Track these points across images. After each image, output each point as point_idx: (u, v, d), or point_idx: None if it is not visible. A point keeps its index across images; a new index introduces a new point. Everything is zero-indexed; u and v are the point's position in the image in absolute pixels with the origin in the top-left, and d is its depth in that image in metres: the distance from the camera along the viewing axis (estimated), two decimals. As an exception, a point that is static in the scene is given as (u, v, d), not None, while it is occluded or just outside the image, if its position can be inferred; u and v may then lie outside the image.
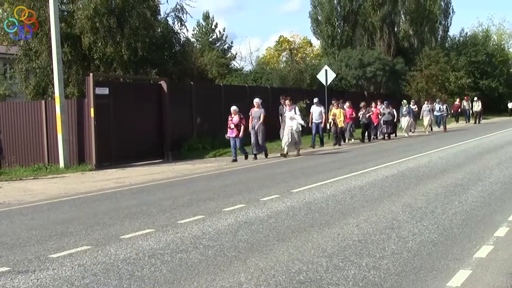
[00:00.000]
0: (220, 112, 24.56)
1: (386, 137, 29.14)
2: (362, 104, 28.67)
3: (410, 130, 31.27)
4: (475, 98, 43.96)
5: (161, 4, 28.25)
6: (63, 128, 18.74)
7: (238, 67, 56.13)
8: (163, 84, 22.02)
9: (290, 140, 19.91)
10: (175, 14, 27.80)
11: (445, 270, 5.97)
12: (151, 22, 25.78)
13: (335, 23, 51.35)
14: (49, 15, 19.55)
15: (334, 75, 31.79)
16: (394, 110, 29.99)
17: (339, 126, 25.25)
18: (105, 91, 19.39)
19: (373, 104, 29.52)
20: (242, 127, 19.23)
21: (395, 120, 30.11)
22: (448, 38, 59.86)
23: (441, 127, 35.07)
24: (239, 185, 13.49)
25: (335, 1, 51.08)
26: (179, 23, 28.18)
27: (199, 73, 38.72)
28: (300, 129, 20.14)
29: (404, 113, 30.87)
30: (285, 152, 20.28)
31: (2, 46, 26.92)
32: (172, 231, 8.17)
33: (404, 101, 32.48)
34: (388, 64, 46.84)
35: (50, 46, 20.45)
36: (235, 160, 19.41)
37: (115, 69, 24.96)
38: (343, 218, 8.77)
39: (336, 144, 25.21)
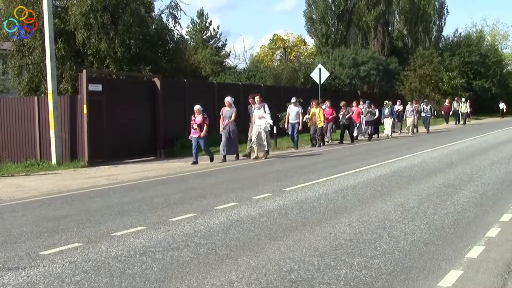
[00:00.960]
0: (213, 110, 24.52)
1: (368, 138, 28.21)
2: (342, 103, 27.59)
3: (394, 131, 30.49)
4: (463, 100, 43.63)
5: (155, 1, 28.46)
6: (56, 125, 18.68)
7: (232, 65, 56.15)
8: (157, 81, 21.97)
9: (257, 140, 18.88)
10: (169, 11, 27.82)
11: (436, 270, 5.98)
12: (145, 19, 25.78)
13: (330, 22, 51.49)
14: (42, 10, 19.47)
15: (328, 74, 31.86)
16: (377, 110, 29.15)
17: (319, 126, 24.15)
18: (98, 87, 19.32)
19: (354, 103, 28.68)
20: (205, 127, 18.09)
21: (377, 120, 29.25)
22: (442, 38, 60.22)
23: (423, 129, 33.98)
24: (231, 183, 13.47)
25: (330, 0, 51.19)
26: (173, 20, 28.22)
27: (192, 70, 38.70)
28: (269, 129, 19.09)
29: (386, 114, 29.84)
30: (247, 152, 19.57)
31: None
32: (164, 229, 8.15)
33: (386, 101, 31.31)
34: (382, 64, 46.98)
35: (43, 42, 20.39)
36: (195, 163, 18.13)
37: (108, 65, 24.92)
38: (335, 217, 8.77)
39: (314, 146, 24.29)
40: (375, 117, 28.67)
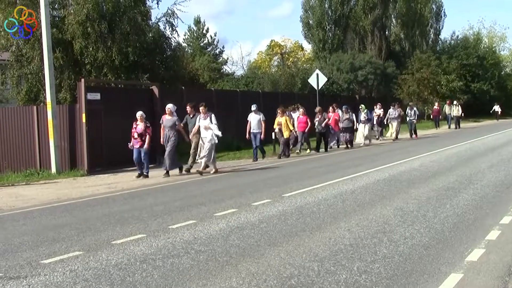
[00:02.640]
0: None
1: (347, 146, 26.24)
2: (317, 109, 25.53)
3: (371, 138, 28.58)
4: (455, 102, 41.78)
5: (152, 9, 28.24)
6: (55, 134, 18.69)
7: (230, 72, 56.19)
8: (155, 89, 21.99)
9: (205, 153, 17.00)
10: (166, 19, 27.76)
11: (437, 274, 5.99)
12: (142, 27, 25.77)
13: (326, 27, 51.58)
14: (40, 20, 19.50)
15: (326, 79, 31.91)
16: (354, 115, 27.16)
17: (285, 136, 22.19)
18: (96, 96, 19.36)
19: (330, 109, 26.16)
20: (148, 137, 16.75)
21: (354, 126, 27.18)
22: (440, 41, 60.25)
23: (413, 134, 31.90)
24: (230, 189, 13.48)
25: (326, 5, 51.31)
26: (170, 28, 28.15)
27: (190, 78, 38.77)
28: (216, 141, 17.06)
29: (361, 119, 27.65)
30: (189, 166, 17.71)
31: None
32: (164, 236, 8.16)
33: (362, 105, 28.90)
34: (379, 68, 47.07)
35: (41, 52, 20.40)
36: (139, 176, 16.95)
37: (106, 74, 24.91)
38: (335, 222, 8.78)
39: (281, 157, 22.09)
40: (353, 123, 26.86)
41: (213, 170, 17.38)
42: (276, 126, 22.46)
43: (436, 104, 42.65)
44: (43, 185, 16.33)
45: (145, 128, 16.80)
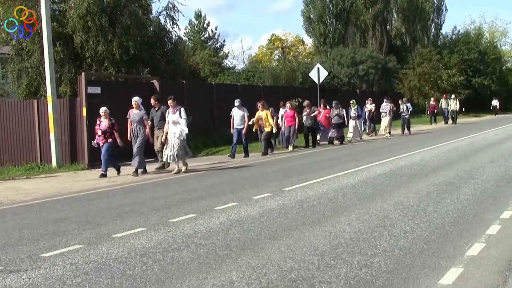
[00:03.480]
0: (212, 111, 24.57)
1: (336, 142, 25.20)
2: (305, 103, 24.60)
3: (361, 135, 27.45)
4: (453, 96, 41.00)
5: (153, 2, 28.24)
6: (56, 128, 18.68)
7: (231, 66, 56.16)
8: (155, 83, 21.98)
9: (173, 151, 15.78)
10: (167, 12, 27.77)
11: (437, 268, 5.98)
12: (143, 21, 25.75)
13: (327, 21, 51.53)
14: (41, 14, 19.48)
15: (326, 73, 31.85)
16: (344, 111, 26.06)
17: (266, 130, 21.26)
18: (97, 90, 19.36)
19: (322, 104, 25.15)
20: (116, 134, 15.86)
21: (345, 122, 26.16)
22: (441, 36, 60.15)
23: (406, 131, 30.94)
24: (231, 183, 13.49)
25: (327, -1, 51.22)
26: (171, 22, 28.17)
27: (191, 72, 38.71)
28: (185, 137, 15.91)
29: (352, 115, 26.71)
30: (160, 165, 17.04)
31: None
32: (164, 230, 8.16)
33: (353, 101, 27.94)
34: (380, 62, 47.02)
35: (42, 46, 20.39)
36: (104, 175, 15.90)
37: (107, 68, 24.91)
38: (335, 216, 8.78)
39: (267, 153, 21.28)
40: (344, 119, 25.79)
41: (184, 168, 16.20)
42: (255, 121, 21.36)
43: (432, 99, 41.55)
44: (44, 179, 16.34)
45: (110, 125, 15.82)
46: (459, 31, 60.73)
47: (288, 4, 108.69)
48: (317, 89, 30.03)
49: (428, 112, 41.17)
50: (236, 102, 20.84)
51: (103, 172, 15.92)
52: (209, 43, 59.58)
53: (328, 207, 9.62)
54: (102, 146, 15.82)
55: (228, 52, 60.51)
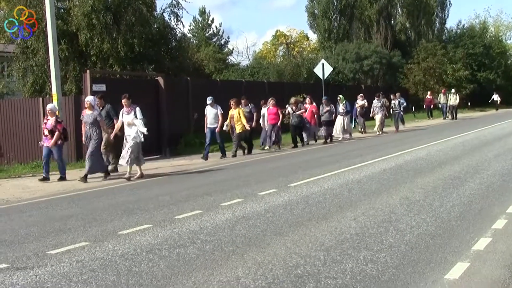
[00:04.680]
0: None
1: (326, 141, 23.79)
2: (292, 100, 23.16)
3: (350, 132, 26.13)
4: (453, 91, 39.05)
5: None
6: (61, 125, 18.69)
7: (235, 62, 56.09)
8: (160, 80, 22.00)
9: (129, 154, 14.31)
10: (171, 9, 27.76)
11: (443, 263, 5.98)
12: (147, 18, 25.76)
13: (332, 17, 51.42)
14: (45, 12, 19.50)
15: (331, 69, 31.81)
16: (334, 107, 24.80)
17: (238, 131, 19.49)
18: (102, 87, 19.37)
19: (308, 100, 23.82)
20: (57, 134, 14.79)
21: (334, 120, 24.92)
22: (445, 31, 59.97)
23: (401, 126, 30.03)
24: (236, 179, 13.49)
25: (332, -5, 51.12)
26: (175, 19, 28.16)
27: (195, 68, 38.66)
28: (142, 139, 14.36)
29: (340, 111, 25.36)
30: (112, 168, 15.83)
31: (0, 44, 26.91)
32: (170, 227, 8.17)
33: (340, 96, 26.42)
34: (385, 57, 46.93)
35: (47, 44, 20.41)
36: (44, 179, 15.01)
37: (111, 65, 24.94)
38: (341, 211, 8.78)
39: (245, 153, 20.04)
40: (334, 116, 24.77)
41: (139, 173, 14.67)
42: (228, 121, 19.65)
43: (429, 93, 40.50)
44: (50, 177, 16.32)
45: (56, 124, 14.87)
46: (463, 25, 60.58)
47: (292, 0, 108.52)
48: (322, 85, 29.98)
49: (424, 107, 39.87)
50: (209, 100, 19.37)
51: (62, 176, 15.18)
52: (214, 40, 59.50)
53: (334, 202, 9.62)
54: (51, 147, 14.85)
55: (233, 49, 60.50)
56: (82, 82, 20.15)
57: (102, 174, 15.11)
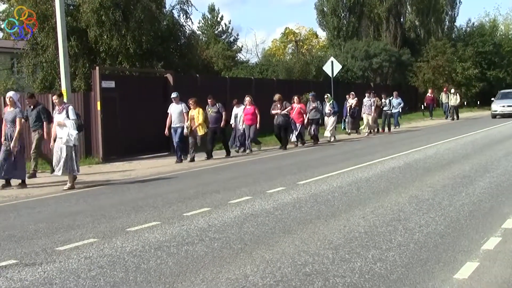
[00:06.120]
0: (225, 105, 24.49)
1: (313, 142, 22.41)
2: (276, 97, 21.14)
3: (334, 134, 23.77)
4: (452, 91, 37.27)
5: (166, -4, 28.29)
6: (70, 122, 18.74)
7: (244, 60, 56.14)
8: (169, 77, 22.01)
9: (60, 160, 12.53)
10: (180, 6, 27.87)
11: (452, 262, 5.94)
12: (156, 15, 25.84)
13: (341, 14, 51.28)
14: (55, 9, 19.55)
15: (340, 67, 31.75)
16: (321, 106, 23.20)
17: (199, 134, 17.94)
18: (111, 84, 19.42)
19: (295, 99, 21.61)
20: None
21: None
22: (455, 29, 59.67)
23: (394, 127, 28.89)
24: (245, 177, 13.48)
25: (341, -8, 51.00)
26: (184, 16, 28.26)
27: (204, 65, 38.74)
28: (75, 142, 12.52)
29: (326, 112, 23.38)
30: (31, 172, 14.61)
31: (9, 41, 27.05)
32: (178, 224, 8.17)
33: (328, 95, 24.54)
34: (394, 55, 46.79)
35: (56, 40, 20.48)
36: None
37: (121, 62, 25.02)
38: (350, 210, 8.75)
39: (191, 160, 17.72)
40: (322, 114, 23.12)
41: (68, 185, 12.84)
42: (188, 122, 17.77)
43: (430, 91, 39.24)
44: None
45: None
46: (473, 23, 60.24)
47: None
48: (331, 83, 29.94)
49: (425, 105, 38.86)
50: (173, 94, 17.97)
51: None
52: (223, 37, 59.59)
53: (343, 201, 9.59)
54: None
55: (242, 46, 60.65)
56: (91, 79, 20.20)
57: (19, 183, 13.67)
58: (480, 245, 6.56)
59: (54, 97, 13.01)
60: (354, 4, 50.85)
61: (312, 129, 22.26)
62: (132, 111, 19.92)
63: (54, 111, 13.17)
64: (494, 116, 35.56)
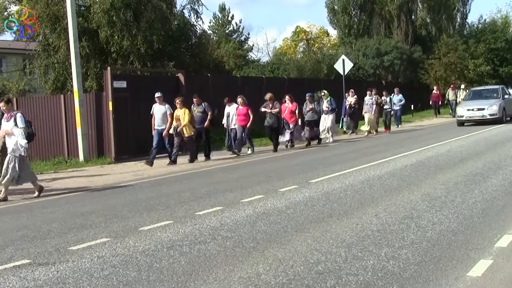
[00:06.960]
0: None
1: (309, 143, 21.28)
2: (267, 96, 20.09)
3: (332, 133, 22.48)
4: (462, 87, 36.53)
5: (176, -4, 28.31)
6: (82, 122, 18.86)
7: (255, 59, 56.14)
8: (180, 76, 22.05)
9: (8, 171, 11.57)
10: (191, 6, 27.93)
11: (466, 260, 5.91)
12: (166, 15, 25.90)
13: (352, 12, 51.15)
14: (66, 10, 19.66)
15: (352, 65, 31.68)
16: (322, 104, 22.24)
17: (186, 135, 16.99)
18: (123, 84, 19.49)
19: (287, 97, 20.52)
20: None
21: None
22: (467, 25, 59.34)
23: (395, 126, 28.15)
24: (257, 176, 13.48)
25: (352, -10, 50.87)
26: (195, 15, 28.33)
27: (216, 65, 38.79)
28: (23, 153, 11.64)
29: (324, 109, 22.06)
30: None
31: (21, 42, 27.20)
32: (191, 223, 8.18)
33: (325, 92, 22.89)
34: (405, 53, 46.62)
35: (68, 41, 20.61)
36: None
37: (132, 62, 25.09)
38: (362, 208, 8.72)
39: (173, 163, 17.09)
40: (319, 115, 21.84)
41: (36, 193, 12.17)
42: (174, 122, 16.95)
43: (435, 88, 38.20)
44: (71, 173, 16.50)
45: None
46: (485, 20, 59.87)
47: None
48: (343, 81, 29.88)
49: (430, 103, 37.85)
50: (157, 94, 17.10)
51: None
52: (234, 36, 59.61)
53: (355, 199, 9.57)
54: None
55: (253, 45, 60.66)
56: (103, 79, 20.28)
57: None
58: (494, 242, 6.51)
59: (2, 104, 11.83)
60: (365, 1, 50.70)
61: (311, 131, 21.16)
62: (144, 111, 19.93)
63: (3, 118, 12.05)
64: (461, 123, 26.92)
